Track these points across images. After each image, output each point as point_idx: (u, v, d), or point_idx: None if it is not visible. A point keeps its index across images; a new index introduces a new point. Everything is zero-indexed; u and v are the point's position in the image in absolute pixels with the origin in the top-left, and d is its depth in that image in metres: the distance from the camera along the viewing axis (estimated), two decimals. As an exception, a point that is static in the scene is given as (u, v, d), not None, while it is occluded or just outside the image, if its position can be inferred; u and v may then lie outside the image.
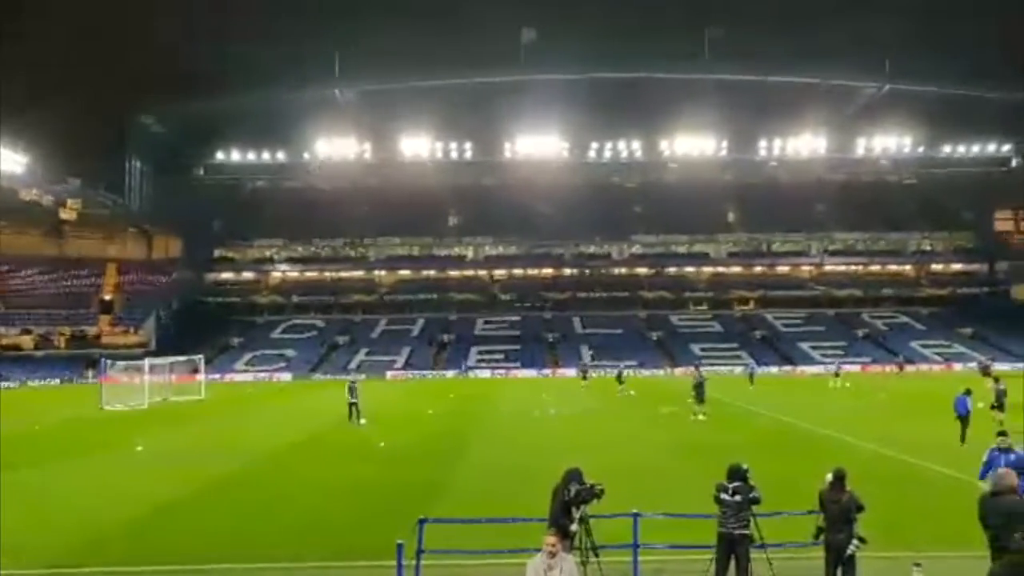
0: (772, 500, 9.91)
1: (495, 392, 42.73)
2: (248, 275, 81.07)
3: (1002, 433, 11.35)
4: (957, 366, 58.58)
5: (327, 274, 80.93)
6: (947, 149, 78.64)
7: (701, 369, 31.99)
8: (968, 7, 59.94)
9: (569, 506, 8.95)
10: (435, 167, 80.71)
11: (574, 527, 8.84)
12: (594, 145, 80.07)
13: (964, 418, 21.36)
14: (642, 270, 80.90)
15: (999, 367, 51.78)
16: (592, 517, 9.13)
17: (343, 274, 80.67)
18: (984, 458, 11.03)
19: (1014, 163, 79.21)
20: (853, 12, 62.22)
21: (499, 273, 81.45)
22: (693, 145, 78.01)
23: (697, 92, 69.84)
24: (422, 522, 9.40)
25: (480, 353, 66.82)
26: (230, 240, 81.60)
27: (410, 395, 41.31)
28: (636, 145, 79.66)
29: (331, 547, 11.30)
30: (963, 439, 20.86)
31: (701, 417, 27.16)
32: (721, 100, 70.13)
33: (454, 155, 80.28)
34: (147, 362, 39.00)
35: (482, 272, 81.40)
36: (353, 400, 26.91)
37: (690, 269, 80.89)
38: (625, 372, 45.10)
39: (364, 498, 14.84)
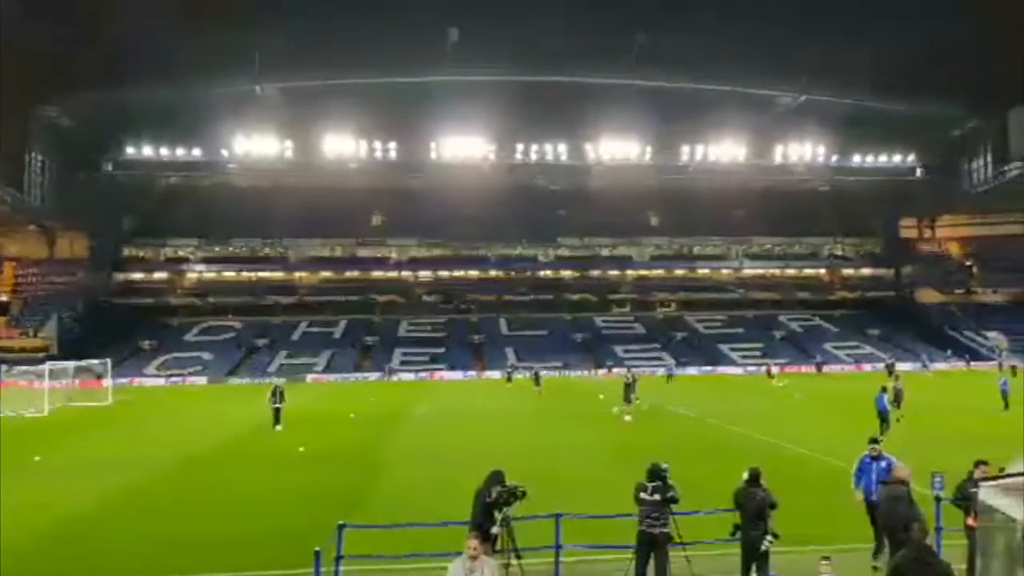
0: (692, 499, 10.02)
1: (419, 395, 42.27)
2: (161, 275, 77.88)
3: (873, 440, 11.20)
4: (866, 366, 61.19)
5: (245, 275, 78.54)
6: (858, 159, 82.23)
7: (633, 371, 32.65)
8: (878, 26, 62.82)
9: (491, 508, 8.89)
10: (359, 167, 79.38)
11: (496, 529, 8.78)
12: (520, 147, 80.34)
13: (883, 414, 22.52)
14: (567, 272, 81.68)
15: (904, 367, 54.69)
16: (515, 519, 9.05)
17: (262, 275, 78.47)
18: (856, 465, 10.92)
19: (918, 173, 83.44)
20: (773, 25, 64.28)
21: (424, 275, 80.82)
22: (618, 149, 79.23)
23: (623, 97, 70.93)
24: (341, 528, 9.17)
25: (404, 356, 66.10)
26: (141, 239, 78.19)
27: (332, 399, 40.45)
28: (562, 148, 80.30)
29: (246, 557, 10.87)
30: (882, 434, 21.85)
31: (627, 418, 27.52)
32: (646, 106, 71.40)
33: (378, 155, 79.16)
34: (47, 366, 36.90)
35: (406, 274, 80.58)
36: (278, 405, 26.13)
37: (614, 272, 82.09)
38: (543, 373, 45.49)
39: (282, 506, 14.35)
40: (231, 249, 79.43)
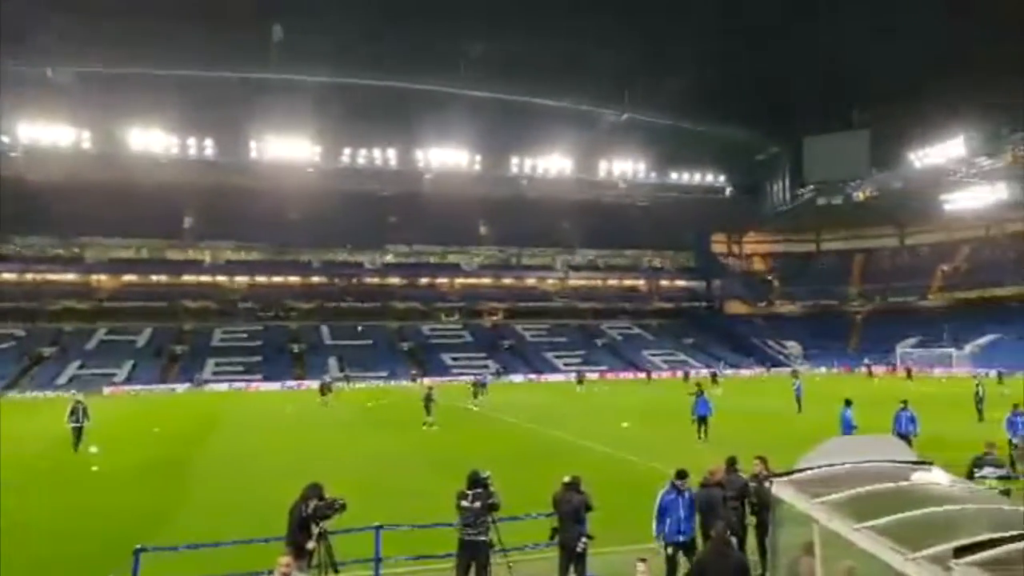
0: (514, 505, 10.11)
1: (233, 407, 39.85)
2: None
3: (680, 475, 9.50)
4: (679, 373, 64.88)
5: (30, 276, 70.31)
6: (674, 176, 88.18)
7: (424, 380, 32.96)
8: (694, 55, 67.99)
9: (307, 522, 8.54)
10: (170, 164, 73.97)
11: (311, 544, 8.43)
12: (348, 151, 78.59)
13: (703, 418, 24.03)
14: (394, 280, 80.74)
15: (705, 373, 59.21)
16: (332, 533, 8.70)
17: (51, 277, 70.68)
18: (657, 503, 9.37)
19: (728, 193, 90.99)
20: (598, 43, 67.63)
21: (240, 280, 76.53)
22: (448, 157, 79.74)
23: (454, 106, 71.49)
24: (138, 551, 8.44)
25: (217, 365, 62.15)
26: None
27: (134, 412, 37.15)
28: (392, 154, 79.52)
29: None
30: (700, 435, 23.42)
31: (433, 427, 27.55)
32: (476, 116, 72.43)
33: (192, 152, 74.30)
34: None
35: (221, 278, 75.93)
36: (79, 423, 23.38)
37: (442, 280, 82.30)
38: (336, 384, 46.33)
39: (75, 530, 12.89)
40: (14, 248, 70.71)
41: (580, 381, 50.42)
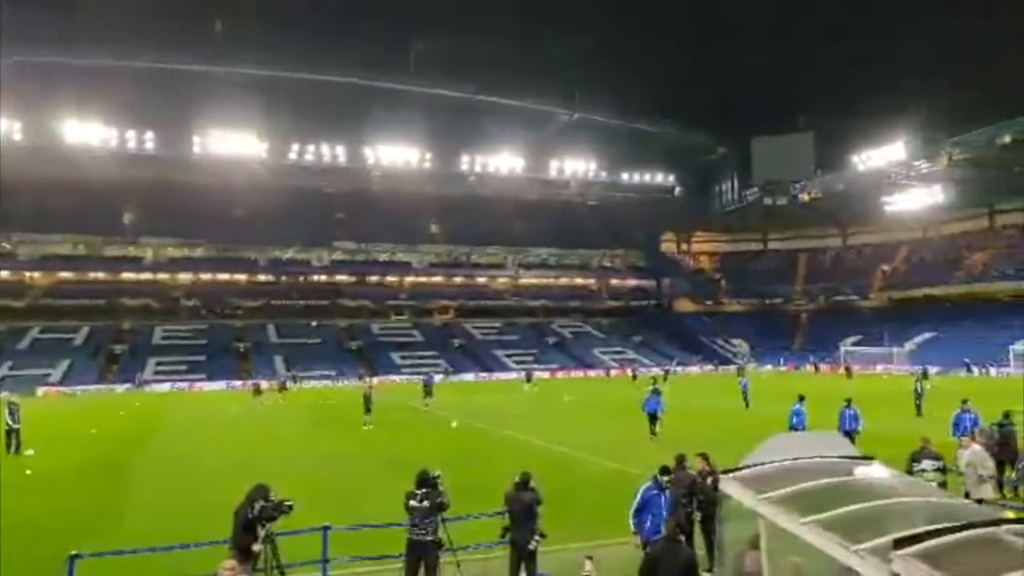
0: (464, 504, 10.07)
1: (175, 407, 38.87)
2: None
3: (664, 471, 9.68)
4: (628, 370, 65.43)
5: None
6: (625, 176, 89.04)
7: (368, 380, 32.81)
8: (645, 57, 68.81)
9: (253, 524, 8.37)
10: (109, 157, 71.65)
11: (257, 547, 8.27)
12: (296, 147, 77.29)
13: (653, 415, 24.17)
14: (343, 278, 79.75)
15: (658, 370, 60.11)
16: (279, 535, 8.53)
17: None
18: (638, 498, 9.43)
19: (677, 192, 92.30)
20: (549, 43, 67.89)
21: (183, 277, 74.64)
22: (398, 154, 79.06)
23: (404, 103, 70.96)
24: (73, 559, 8.20)
25: (159, 365, 60.48)
26: None
27: (70, 413, 35.94)
28: (340, 151, 78.50)
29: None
30: (653, 433, 23.60)
31: (369, 427, 27.38)
32: (427, 113, 72.06)
33: (132, 145, 72.13)
34: None
35: (163, 276, 73.92)
36: (16, 425, 22.49)
37: (392, 278, 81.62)
38: (289, 383, 46.32)
39: (7, 537, 12.32)
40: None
41: (529, 379, 50.58)
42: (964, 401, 17.23)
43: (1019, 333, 58.03)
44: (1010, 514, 8.21)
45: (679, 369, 64.83)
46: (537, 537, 8.98)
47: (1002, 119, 59.50)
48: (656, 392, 25.31)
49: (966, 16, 59.16)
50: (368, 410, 28.44)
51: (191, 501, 14.74)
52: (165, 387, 55.49)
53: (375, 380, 44.26)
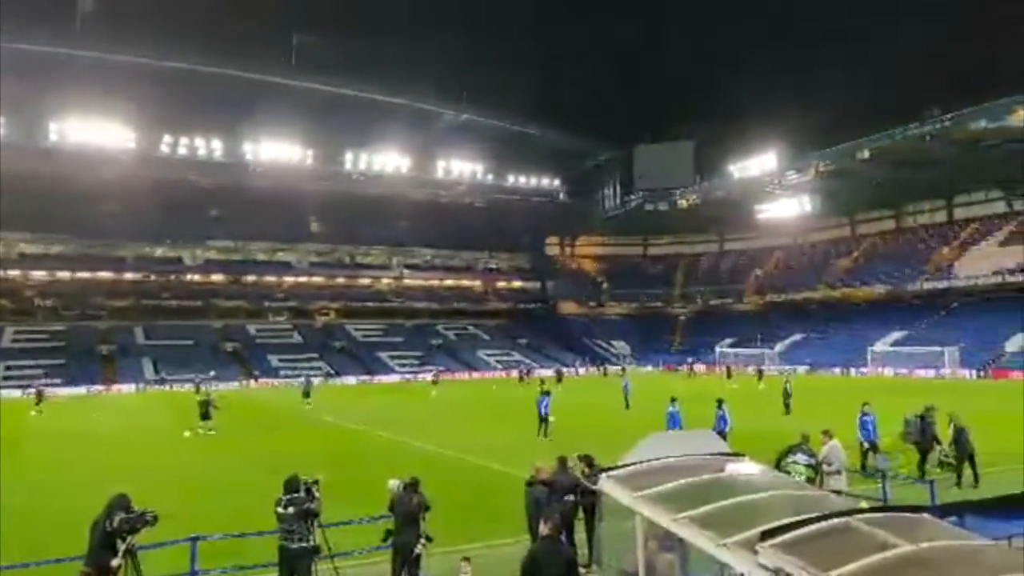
0: (346, 508, 9.81)
1: (27, 414, 35.85)
2: None
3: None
4: (513, 372, 65.50)
5: None
6: (511, 179, 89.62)
7: (204, 386, 31.73)
8: (528, 58, 69.73)
9: (112, 538, 7.83)
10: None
11: (116, 561, 7.75)
12: (168, 139, 72.94)
13: (545, 417, 24.36)
14: (218, 277, 76.19)
15: (545, 372, 61.07)
16: (142, 548, 8.03)
17: None
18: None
19: (561, 196, 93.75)
20: (436, 42, 67.50)
21: (38, 275, 69.06)
22: (279, 150, 76.14)
23: (284, 97, 68.56)
24: None
25: (8, 369, 55.67)
26: None
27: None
28: (217, 144, 74.66)
29: None
30: (546, 434, 23.73)
31: (212, 432, 26.31)
32: (308, 109, 69.82)
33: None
34: None
35: (14, 273, 68.02)
36: None
37: (271, 278, 78.71)
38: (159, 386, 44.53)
39: None
40: None
41: (435, 382, 50.00)
42: (864, 404, 17.56)
43: (877, 335, 62.86)
44: (863, 504, 8.82)
45: (570, 371, 65.98)
46: (423, 541, 8.90)
47: (861, 136, 64.08)
48: (546, 393, 25.65)
49: (832, 41, 64.37)
50: (207, 416, 26.93)
51: (45, 513, 13.63)
52: (16, 393, 50.99)
53: (212, 387, 43.26)
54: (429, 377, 54.04)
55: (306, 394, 37.61)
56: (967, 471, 15.19)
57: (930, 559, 3.87)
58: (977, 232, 69.30)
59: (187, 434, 26.08)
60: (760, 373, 50.94)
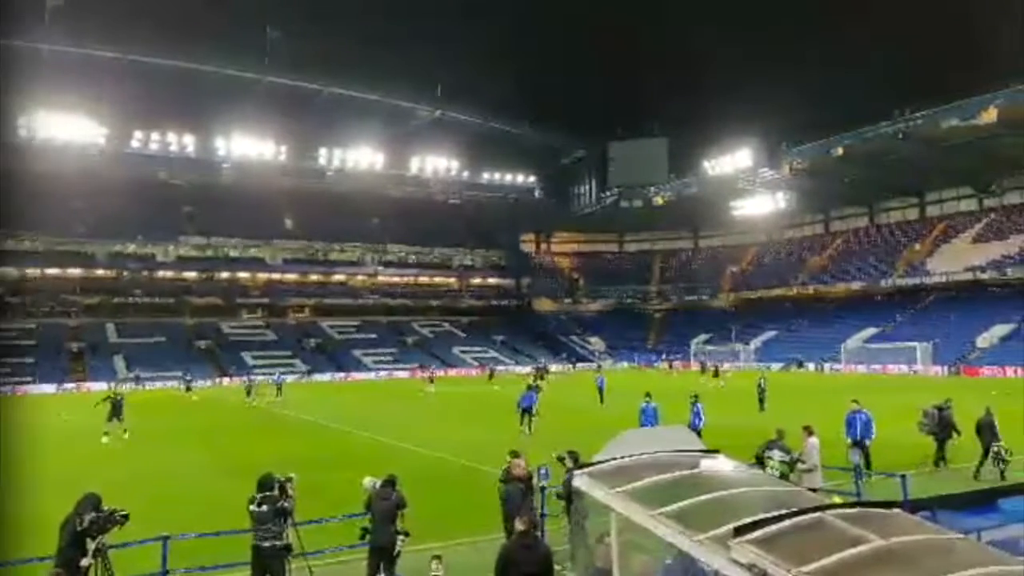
0: (322, 507, 9.74)
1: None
2: None
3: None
4: (486, 369, 65.55)
5: None
6: (486, 176, 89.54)
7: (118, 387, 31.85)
8: (502, 54, 69.66)
9: (82, 537, 7.77)
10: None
11: (87, 561, 7.70)
12: (139, 135, 71.86)
13: (528, 410, 24.49)
14: (191, 274, 75.18)
15: (523, 369, 61.12)
16: (112, 547, 7.95)
17: None
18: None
19: (537, 193, 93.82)
20: (410, 37, 67.23)
21: (7, 272, 67.77)
22: (252, 147, 75.36)
23: (258, 93, 67.88)
24: None
25: (-24, 367, 54.67)
26: None
27: None
28: (189, 140, 73.70)
29: None
30: (530, 430, 23.81)
31: (126, 435, 25.20)
32: (282, 105, 69.27)
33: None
34: None
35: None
36: None
37: (244, 275, 77.83)
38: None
39: None
40: None
41: (431, 380, 49.81)
42: (854, 401, 17.15)
43: (850, 332, 63.66)
44: (837, 499, 8.94)
45: (556, 368, 66.02)
46: (402, 538, 8.90)
47: (834, 134, 64.84)
48: (531, 389, 25.82)
49: (807, 39, 64.97)
50: (117, 418, 25.34)
51: (13, 513, 13.35)
52: (-17, 392, 50.16)
53: (126, 387, 43.96)
54: (425, 375, 53.65)
55: (247, 392, 39.38)
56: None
57: (901, 552, 3.93)
58: (949, 229, 70.41)
59: (105, 440, 24.36)
60: (716, 370, 50.31)
